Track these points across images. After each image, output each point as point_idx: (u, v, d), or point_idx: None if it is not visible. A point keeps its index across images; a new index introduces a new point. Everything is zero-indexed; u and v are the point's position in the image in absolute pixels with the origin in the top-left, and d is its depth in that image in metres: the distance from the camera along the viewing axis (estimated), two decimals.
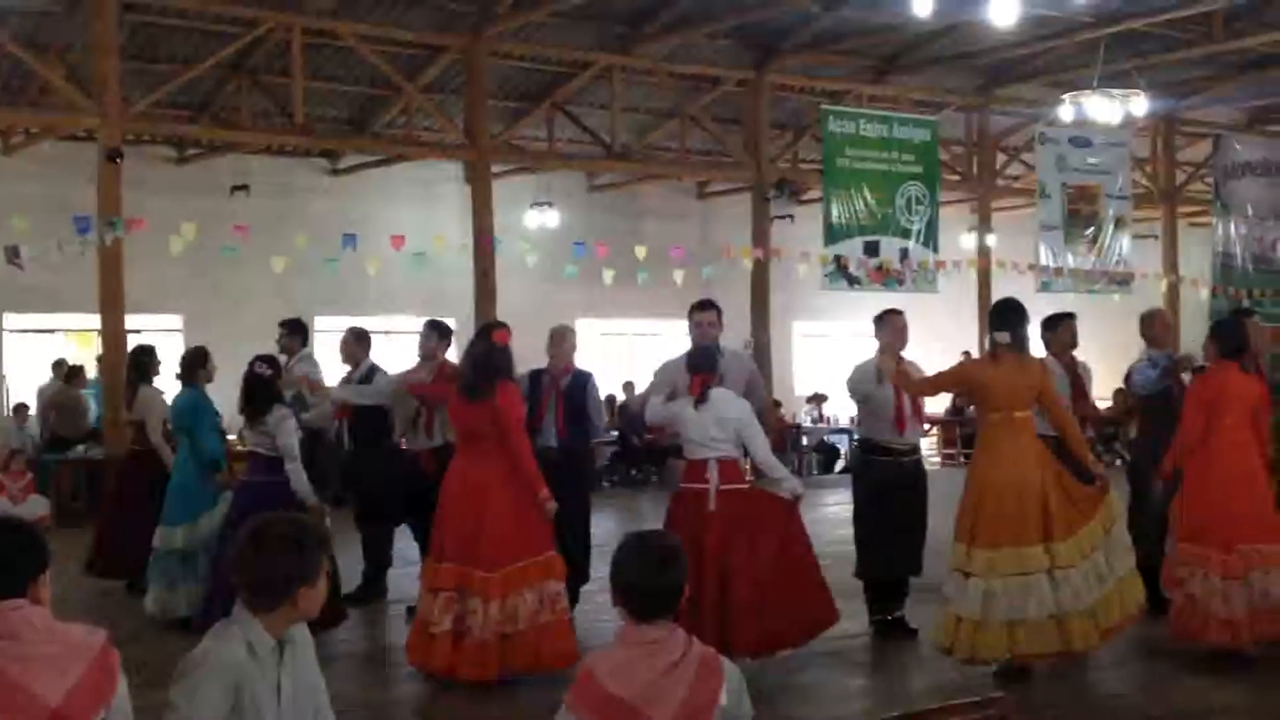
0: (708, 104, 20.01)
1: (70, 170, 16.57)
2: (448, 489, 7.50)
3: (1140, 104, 18.06)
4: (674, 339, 15.29)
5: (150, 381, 10.33)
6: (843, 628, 7.82)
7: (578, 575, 8.39)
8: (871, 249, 18.95)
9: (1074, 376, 8.66)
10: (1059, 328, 8.80)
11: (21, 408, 17.35)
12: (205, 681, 3.34)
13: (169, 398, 10.03)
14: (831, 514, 13.70)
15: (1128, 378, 9.17)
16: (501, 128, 18.82)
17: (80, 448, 16.00)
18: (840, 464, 20.55)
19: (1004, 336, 7.33)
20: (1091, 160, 21.01)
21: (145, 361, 10.41)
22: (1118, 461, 10.91)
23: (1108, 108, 17.95)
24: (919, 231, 19.38)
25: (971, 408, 8.44)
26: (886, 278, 19.00)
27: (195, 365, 9.55)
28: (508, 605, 7.16)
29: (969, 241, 22.15)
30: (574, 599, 8.12)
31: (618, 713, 3.42)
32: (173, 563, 9.14)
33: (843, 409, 19.63)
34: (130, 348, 11.35)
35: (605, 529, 11.09)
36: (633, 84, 19.17)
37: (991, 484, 7.14)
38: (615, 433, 18.02)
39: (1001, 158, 23.14)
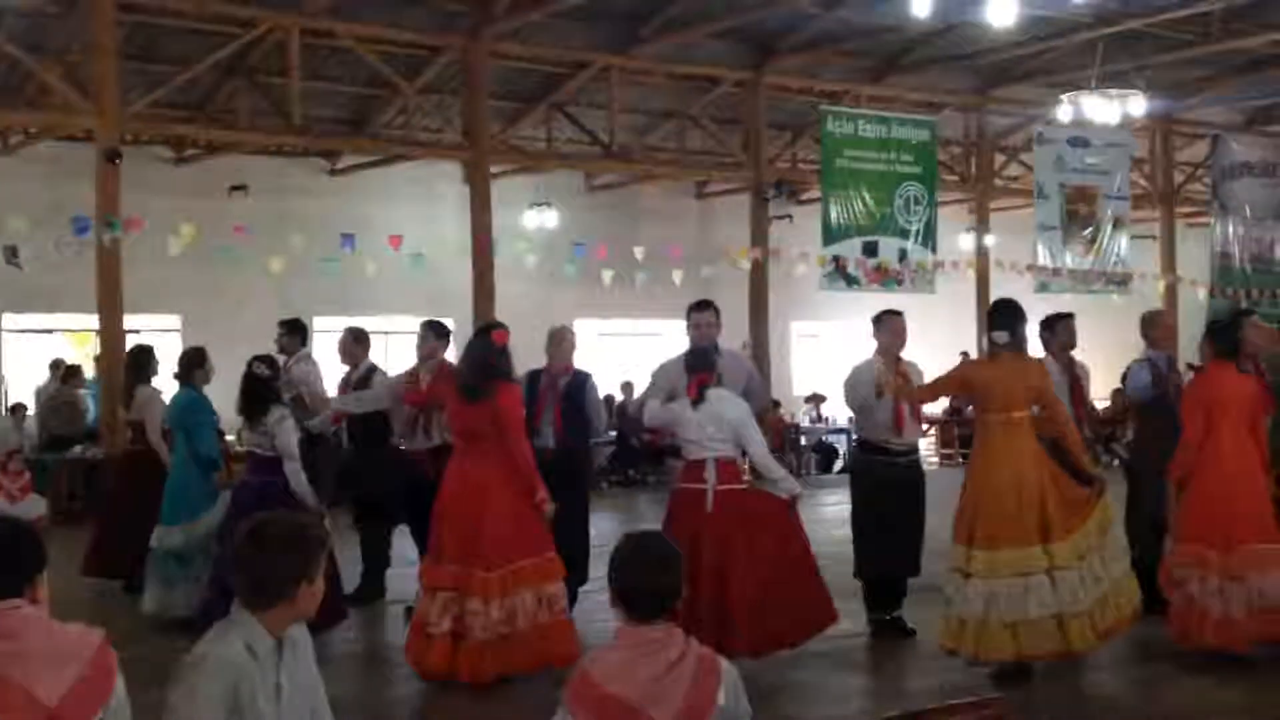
0: (706, 104, 20.01)
1: (68, 170, 16.55)
2: (447, 489, 7.50)
3: (1138, 104, 18.07)
4: (673, 339, 15.28)
5: (148, 381, 10.33)
6: (841, 628, 7.81)
7: (576, 576, 8.38)
8: (870, 249, 18.95)
9: (1072, 377, 8.67)
10: (1057, 328, 8.81)
11: (19, 407, 17.34)
12: (205, 682, 3.33)
13: (167, 398, 10.03)
14: (830, 514, 13.70)
15: (1125, 378, 9.17)
16: (500, 128, 18.82)
17: (78, 448, 15.99)
18: (838, 464, 20.56)
19: (1002, 336, 7.33)
20: (1090, 161, 21.03)
21: (143, 361, 10.42)
22: (1115, 462, 10.89)
23: (1106, 108, 17.96)
24: (917, 232, 19.38)
25: (970, 408, 8.44)
26: (885, 278, 19.00)
27: (193, 365, 9.55)
28: (507, 605, 7.16)
29: (967, 242, 22.15)
30: (572, 599, 8.12)
31: (616, 713, 3.42)
32: (170, 562, 9.15)
33: (841, 409, 19.57)
34: (128, 348, 11.35)
35: (604, 529, 11.09)
36: (631, 84, 19.15)
37: (990, 484, 7.14)
38: (614, 433, 18.02)
39: (1000, 158, 23.14)
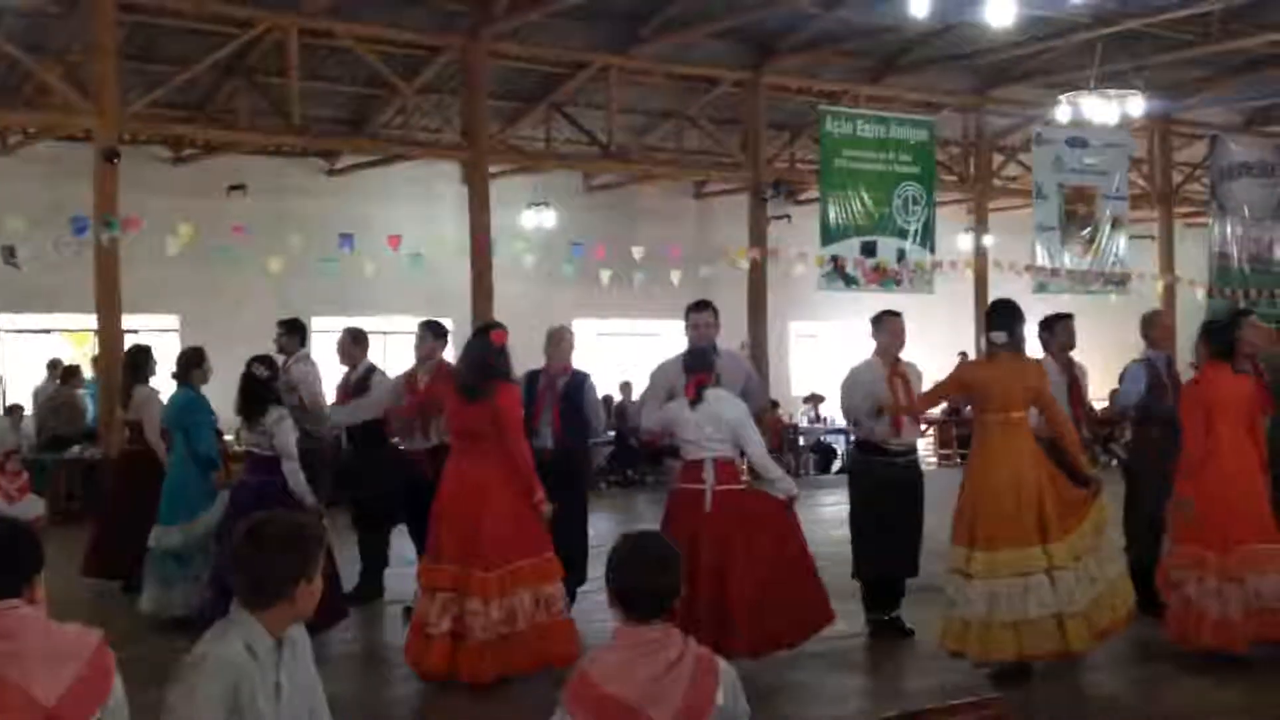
0: (705, 104, 20.01)
1: (67, 170, 16.54)
2: (445, 489, 7.49)
3: (1137, 105, 18.08)
4: (671, 339, 15.29)
5: (146, 381, 10.33)
6: (839, 628, 7.81)
7: (575, 576, 8.38)
8: (868, 249, 18.95)
9: (1071, 377, 8.67)
10: (1056, 329, 8.81)
11: (17, 408, 17.33)
12: (204, 682, 3.32)
13: (165, 397, 10.02)
14: (828, 514, 13.70)
15: (1123, 378, 9.17)
16: (498, 128, 18.82)
17: (76, 448, 15.98)
18: (837, 464, 20.56)
19: (1000, 337, 7.33)
20: (1088, 161, 21.04)
21: (141, 361, 10.41)
22: (1114, 462, 10.89)
23: (1104, 108, 17.97)
24: (916, 232, 19.38)
25: (968, 408, 8.43)
26: (883, 278, 19.00)
27: (191, 365, 9.55)
28: (506, 606, 7.16)
29: (966, 242, 22.16)
30: (571, 599, 8.11)
31: (615, 713, 3.42)
32: (169, 562, 9.14)
33: (840, 409, 19.61)
34: (126, 348, 11.34)
35: (602, 529, 11.08)
36: (630, 84, 19.15)
37: (989, 485, 7.14)
38: (612, 433, 18.01)
39: (998, 158, 23.14)
